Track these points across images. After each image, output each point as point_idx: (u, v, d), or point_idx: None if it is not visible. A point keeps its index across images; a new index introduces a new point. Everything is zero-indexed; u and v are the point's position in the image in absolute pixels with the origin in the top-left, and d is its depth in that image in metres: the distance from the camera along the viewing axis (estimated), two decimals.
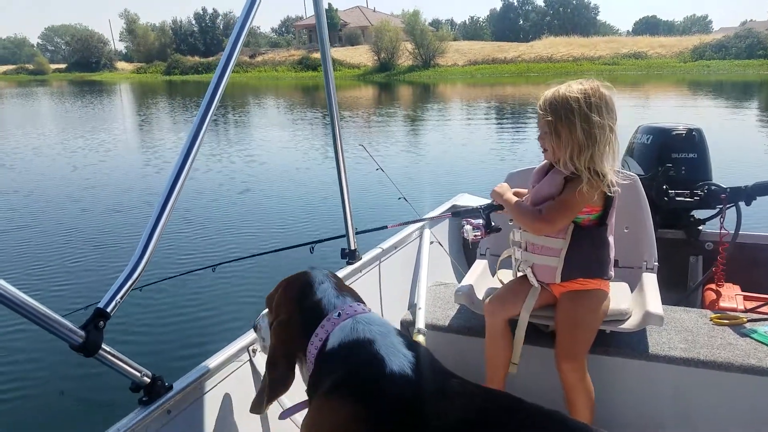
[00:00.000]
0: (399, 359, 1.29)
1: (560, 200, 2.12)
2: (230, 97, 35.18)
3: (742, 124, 16.68)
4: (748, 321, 2.50)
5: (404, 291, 3.10)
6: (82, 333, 1.32)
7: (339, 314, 1.46)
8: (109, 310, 1.38)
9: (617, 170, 2.17)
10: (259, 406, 1.56)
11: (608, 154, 2.07)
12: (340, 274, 2.58)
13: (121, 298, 1.41)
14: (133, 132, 19.76)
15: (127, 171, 11.89)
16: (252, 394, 2.01)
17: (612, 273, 2.26)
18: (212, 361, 1.93)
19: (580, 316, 2.16)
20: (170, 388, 1.69)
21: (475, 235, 2.38)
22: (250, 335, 2.09)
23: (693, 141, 3.43)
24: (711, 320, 2.54)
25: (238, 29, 1.77)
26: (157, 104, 31.88)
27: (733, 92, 28.58)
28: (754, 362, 2.16)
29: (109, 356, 1.40)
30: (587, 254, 2.19)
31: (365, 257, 2.87)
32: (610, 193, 2.12)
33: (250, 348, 2.09)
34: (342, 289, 1.58)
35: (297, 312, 1.51)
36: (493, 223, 2.39)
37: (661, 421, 2.35)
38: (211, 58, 66.64)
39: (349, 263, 2.79)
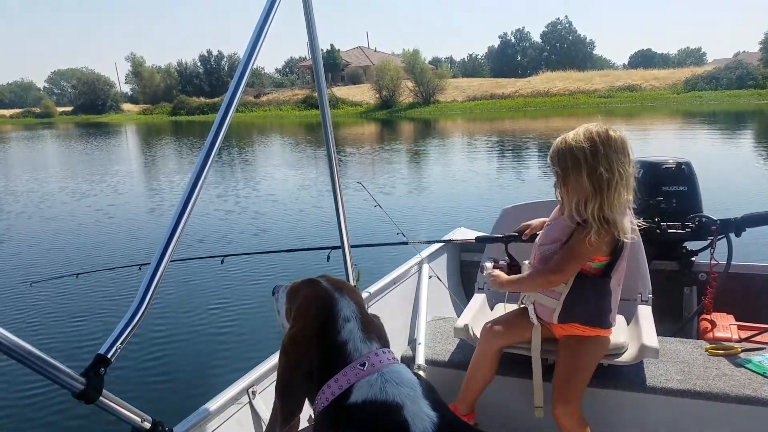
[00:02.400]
0: (423, 422, 1.25)
1: (568, 248, 2.12)
2: (236, 135, 35.49)
3: (732, 155, 16.78)
4: (743, 351, 2.53)
5: (404, 326, 3.11)
6: (83, 380, 1.28)
7: (364, 364, 1.36)
8: (110, 356, 1.35)
9: (631, 215, 2.15)
10: None
11: (620, 201, 2.03)
12: None
13: (122, 343, 1.39)
14: (140, 173, 19.87)
15: (133, 214, 11.94)
16: None
17: (614, 322, 2.25)
18: (212, 404, 1.93)
19: (580, 363, 2.17)
20: None
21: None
22: (249, 377, 2.10)
23: (683, 174, 3.48)
24: (706, 351, 2.56)
25: (242, 69, 1.78)
26: (164, 144, 32.16)
27: (724, 122, 28.86)
28: (750, 392, 2.19)
29: (110, 402, 1.37)
30: (586, 302, 2.18)
31: (364, 294, 2.88)
32: (625, 239, 2.08)
33: (250, 390, 2.10)
34: (368, 329, 1.46)
35: (316, 341, 1.42)
36: (525, 263, 2.36)
37: None
38: (216, 99, 67.32)
39: None
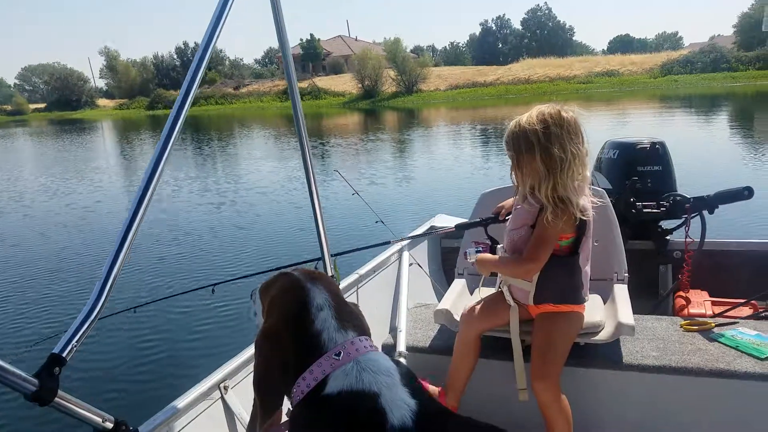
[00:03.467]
0: (401, 411, 1.22)
1: (535, 236, 2.15)
2: (216, 127, 35.23)
3: (704, 136, 17.04)
4: (716, 326, 2.58)
5: (385, 314, 3.11)
6: (35, 381, 1.21)
7: (339, 353, 1.32)
8: (65, 355, 1.27)
9: (589, 193, 2.18)
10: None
11: (573, 180, 2.06)
12: None
13: (78, 341, 1.32)
14: (118, 169, 19.65)
15: (112, 209, 11.80)
16: None
17: (586, 297, 2.30)
18: (181, 401, 1.87)
19: (554, 337, 2.20)
20: None
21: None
22: (221, 372, 2.05)
23: (657, 154, 3.53)
24: (681, 327, 2.61)
25: (197, 62, 1.75)
26: (142, 139, 31.81)
27: (698, 105, 29.27)
28: (723, 366, 2.24)
29: (67, 403, 1.29)
30: (558, 282, 2.22)
31: (344, 282, 2.87)
32: (584, 217, 2.11)
33: (222, 385, 2.05)
34: (343, 317, 1.41)
35: (289, 333, 1.38)
36: (498, 247, 2.39)
37: (637, 429, 2.40)
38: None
39: None
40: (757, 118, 22.40)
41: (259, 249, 7.87)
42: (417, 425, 1.21)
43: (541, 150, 2.04)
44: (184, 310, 5.77)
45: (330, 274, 2.66)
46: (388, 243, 3.21)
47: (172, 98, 66.52)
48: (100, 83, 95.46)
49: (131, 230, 1.47)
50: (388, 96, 53.64)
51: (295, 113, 2.45)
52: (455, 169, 13.90)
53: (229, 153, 22.09)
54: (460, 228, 2.89)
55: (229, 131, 33.10)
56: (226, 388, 2.04)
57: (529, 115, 2.10)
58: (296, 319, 1.38)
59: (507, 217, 2.54)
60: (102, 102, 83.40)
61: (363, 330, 1.45)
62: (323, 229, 2.52)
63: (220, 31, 1.77)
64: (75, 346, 1.31)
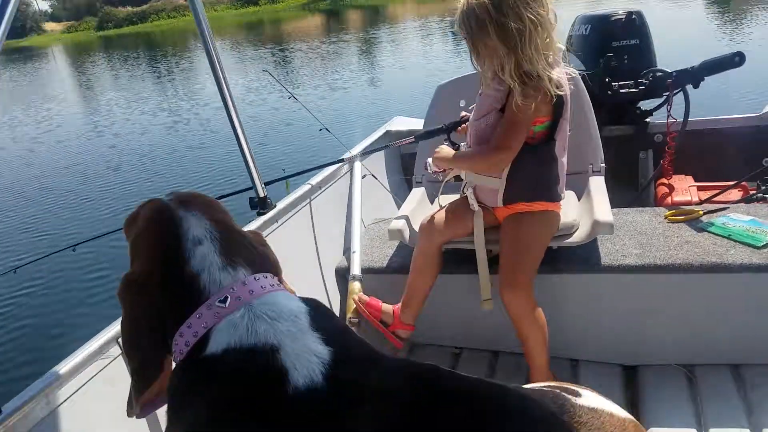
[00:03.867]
0: (308, 365, 0.94)
1: (506, 120, 1.88)
2: (170, 43, 33.76)
3: (685, 7, 16.48)
4: (705, 213, 2.34)
5: (338, 235, 2.82)
6: None
7: (226, 299, 1.02)
8: None
9: (562, 65, 1.92)
10: (132, 405, 1.15)
11: (539, 51, 1.79)
12: (253, 226, 2.25)
13: None
14: (74, 96, 18.78)
15: (68, 137, 11.19)
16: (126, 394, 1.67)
17: (563, 194, 2.05)
18: (65, 365, 1.51)
19: (526, 241, 1.96)
20: None
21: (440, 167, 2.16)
22: (116, 325, 1.67)
23: (634, 25, 3.22)
24: (666, 218, 2.36)
25: None
26: (94, 63, 30.35)
27: None
28: (714, 259, 2.00)
29: None
30: (532, 175, 1.96)
31: (283, 203, 2.54)
32: (560, 92, 1.86)
33: (119, 339, 1.66)
34: (231, 251, 1.09)
35: (158, 278, 1.06)
36: (462, 144, 2.14)
37: (622, 336, 2.20)
38: (145, 6, 63.70)
39: (260, 214, 2.40)
40: None
41: (183, 181, 7.22)
42: (328, 380, 0.92)
43: (495, 25, 1.76)
44: (73, 264, 5.10)
45: (262, 195, 2.38)
46: (341, 161, 2.88)
47: (122, 15, 63.91)
48: (44, 5, 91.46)
49: None
50: None
51: (195, 14, 2.11)
52: (419, 66, 13.18)
53: (167, 71, 21.11)
54: (420, 138, 2.57)
55: (183, 47, 31.64)
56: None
57: None
58: (166, 259, 1.06)
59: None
60: (49, 26, 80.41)
61: (262, 265, 1.11)
62: (246, 146, 2.21)
63: None
64: None
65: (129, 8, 67.01)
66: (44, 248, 5.22)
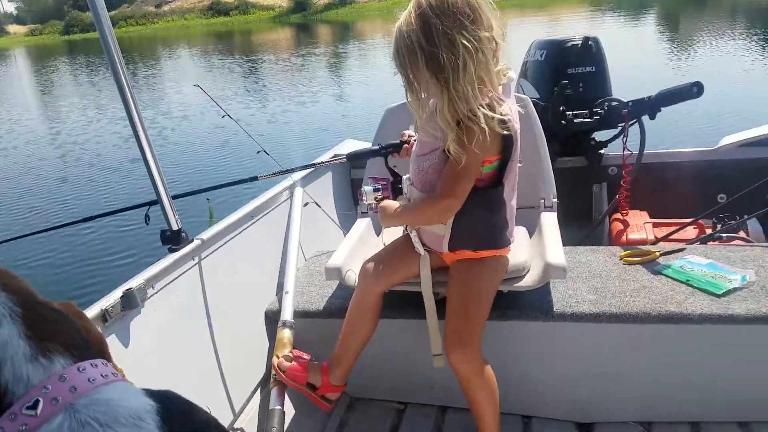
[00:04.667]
0: None
1: (450, 165, 1.64)
2: (136, 50, 33.29)
3: (641, 36, 16.93)
4: (661, 255, 2.23)
5: (273, 272, 2.54)
6: None
7: (37, 402, 0.74)
8: None
9: (508, 97, 1.68)
10: None
11: (474, 83, 1.52)
12: (163, 265, 1.94)
13: None
14: (35, 100, 18.35)
15: (30, 142, 10.83)
16: None
17: (512, 238, 1.86)
18: None
19: (472, 292, 1.78)
20: None
21: (377, 196, 1.90)
22: None
23: (590, 52, 3.12)
24: (621, 259, 2.23)
25: None
26: (59, 67, 29.71)
27: (633, 3, 29.30)
28: (673, 308, 1.87)
29: None
30: (478, 221, 1.76)
31: (206, 235, 2.20)
32: (507, 131, 1.60)
33: None
34: (43, 332, 0.81)
35: None
36: (404, 178, 1.89)
37: (575, 391, 2.06)
38: (113, 12, 63.01)
39: (172, 250, 2.04)
40: (697, 18, 22.37)
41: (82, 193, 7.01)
42: None
43: (425, 58, 1.51)
44: None
45: (176, 227, 2.04)
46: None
47: (89, 21, 63.07)
48: (9, 7, 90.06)
49: None
50: (321, 8, 52.75)
51: (99, 28, 1.91)
52: (378, 86, 12.91)
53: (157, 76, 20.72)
54: (352, 158, 2.31)
55: (151, 55, 31.23)
56: None
57: (407, 12, 1.55)
58: None
59: (412, 142, 2.01)
60: (12, 28, 79.13)
61: (86, 349, 0.84)
62: (157, 171, 1.93)
63: None
64: None
65: None
66: None
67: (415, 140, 1.95)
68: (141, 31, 56.72)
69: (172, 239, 2.02)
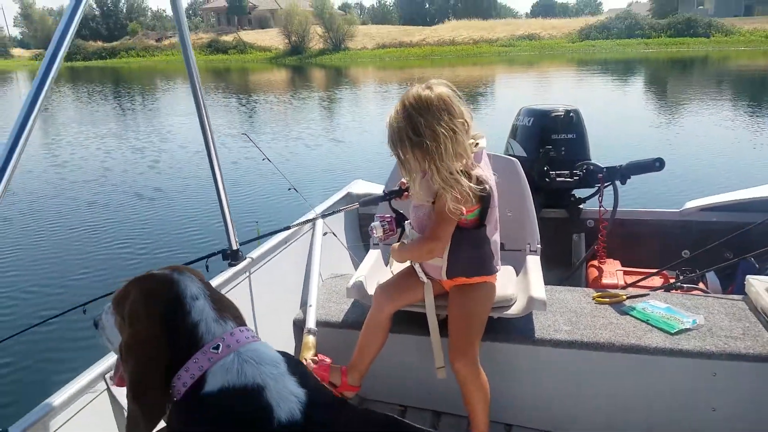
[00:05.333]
0: (289, 403, 1.13)
1: (436, 214, 2.06)
2: (137, 81, 33.53)
3: (619, 102, 17.45)
4: (628, 298, 2.58)
5: (297, 288, 2.97)
6: None
7: (218, 346, 1.20)
8: None
9: (481, 161, 2.09)
10: None
11: (454, 159, 1.95)
12: (224, 277, 2.41)
13: None
14: (36, 125, 18.22)
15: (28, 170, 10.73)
16: (113, 427, 1.81)
17: (498, 267, 2.24)
18: (59, 397, 1.66)
19: (470, 311, 2.16)
20: None
21: (385, 229, 2.29)
22: (106, 361, 1.84)
23: (571, 122, 3.49)
24: (593, 299, 2.60)
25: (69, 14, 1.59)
26: (60, 92, 29.76)
27: (613, 69, 30.02)
28: (634, 341, 2.23)
29: None
30: (468, 255, 2.16)
31: (252, 254, 2.69)
32: (482, 192, 2.02)
33: (107, 375, 1.83)
34: (221, 307, 1.30)
35: (162, 332, 1.23)
36: (406, 223, 2.29)
37: (550, 404, 2.40)
38: (115, 43, 63.49)
39: (231, 265, 2.56)
40: (669, 85, 23.20)
41: (161, 226, 7.11)
42: (306, 417, 1.12)
43: (413, 146, 1.95)
44: (63, 292, 5.27)
45: (235, 247, 2.55)
46: (309, 221, 3.03)
47: (91, 49, 63.37)
48: (15, 32, 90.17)
49: None
50: (316, 53, 52.92)
51: (190, 73, 2.30)
52: (379, 132, 13.46)
53: (138, 109, 20.97)
54: (365, 204, 2.75)
55: (149, 85, 31.53)
56: (112, 378, 1.83)
57: (396, 110, 2.01)
58: (170, 313, 1.25)
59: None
60: (17, 52, 78.78)
61: (242, 321, 1.33)
62: (226, 201, 2.37)
63: None
64: None
65: (100, 43, 66.63)
66: None
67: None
68: (141, 63, 56.97)
69: (232, 256, 2.52)
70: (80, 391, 1.72)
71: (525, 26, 54.48)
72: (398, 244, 2.27)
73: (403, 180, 2.49)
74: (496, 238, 2.22)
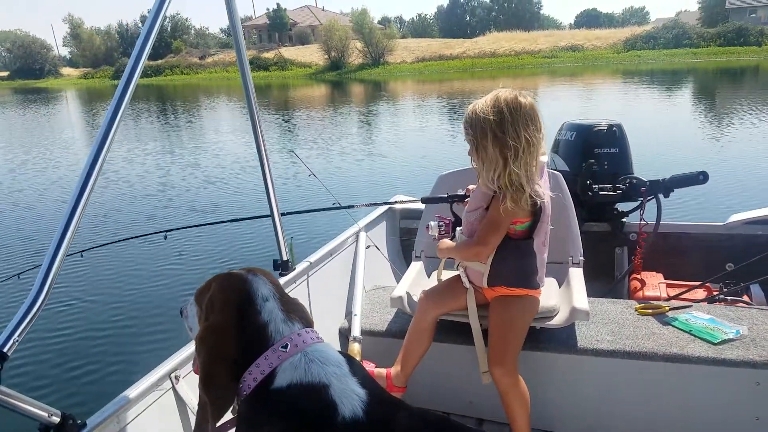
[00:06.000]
0: (351, 401, 1.21)
1: (487, 219, 2.13)
2: (181, 97, 34.42)
3: (663, 114, 17.14)
4: (670, 309, 2.59)
5: (342, 298, 3.07)
6: None
7: (287, 345, 1.30)
8: (6, 350, 1.27)
9: (546, 179, 2.15)
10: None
11: (526, 168, 2.03)
12: None
13: (20, 335, 1.31)
14: (82, 141, 18.91)
15: (61, 188, 11.22)
16: (177, 423, 1.96)
17: (542, 283, 2.28)
18: (131, 392, 1.82)
19: (510, 322, 2.19)
20: (83, 425, 1.58)
21: (441, 231, 2.39)
22: (172, 362, 2.00)
23: (614, 136, 3.51)
24: (636, 311, 2.61)
25: (149, 25, 1.72)
26: (106, 109, 30.77)
27: (659, 81, 29.42)
28: (676, 351, 2.25)
29: (10, 399, 1.30)
30: (511, 265, 2.20)
31: (300, 266, 2.82)
32: (537, 200, 2.09)
33: (173, 375, 1.99)
34: (289, 309, 1.39)
35: (233, 327, 1.33)
36: (458, 229, 2.36)
37: (592, 413, 2.42)
38: (159, 61, 65.10)
39: (282, 275, 2.70)
40: (717, 95, 22.63)
41: (213, 238, 7.46)
42: (368, 415, 1.19)
43: (495, 138, 2.02)
44: (132, 299, 5.62)
45: (285, 259, 2.67)
46: (355, 235, 3.13)
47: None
48: (64, 51, 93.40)
49: (74, 217, 1.43)
50: (355, 68, 53.33)
51: (247, 93, 2.41)
52: (418, 146, 13.65)
53: (187, 126, 21.52)
54: (425, 201, 2.82)
55: (193, 102, 32.37)
56: (177, 377, 2.00)
57: (485, 102, 2.06)
58: (241, 312, 1.35)
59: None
60: (66, 71, 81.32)
61: (308, 322, 1.43)
62: (278, 216, 2.50)
63: (169, 2, 1.75)
64: (17, 340, 1.30)
65: (146, 61, 68.55)
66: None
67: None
68: (185, 80, 58.43)
69: (282, 266, 2.67)
70: (148, 389, 1.87)
71: (568, 37, 53.98)
72: (448, 242, 2.33)
73: (470, 186, 2.56)
74: (544, 255, 2.26)
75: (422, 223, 2.98)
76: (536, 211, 2.14)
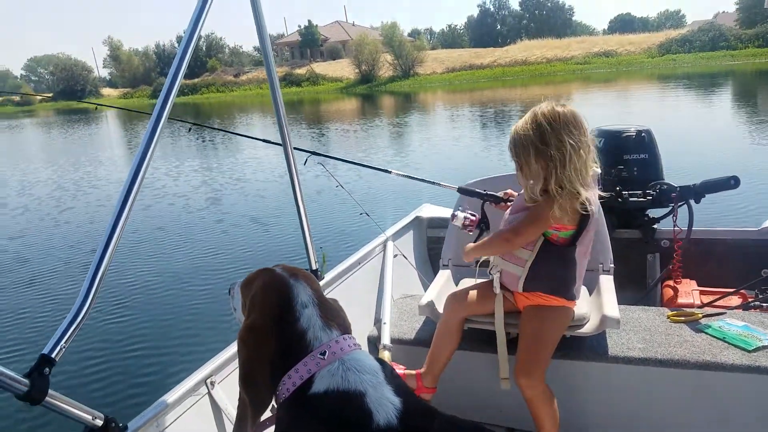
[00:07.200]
0: (386, 409, 1.23)
1: (529, 213, 2.12)
2: (216, 114, 35.11)
3: (695, 119, 16.82)
4: (703, 317, 2.54)
5: (370, 306, 3.10)
6: (27, 381, 1.26)
7: (325, 353, 1.33)
8: (54, 355, 1.31)
9: (592, 187, 2.13)
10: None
11: (578, 172, 2.02)
12: None
13: (66, 342, 1.35)
14: (123, 158, 19.47)
15: (99, 202, 11.61)
16: (212, 428, 2.01)
17: (578, 295, 2.26)
18: (169, 397, 1.89)
19: (543, 333, 2.18)
20: (125, 428, 1.62)
21: (465, 223, 2.40)
22: (208, 367, 2.06)
23: (643, 142, 3.48)
24: (668, 318, 2.57)
25: (185, 42, 1.76)
26: (145, 128, 31.63)
27: (695, 84, 28.85)
28: (709, 358, 2.21)
29: (58, 402, 1.34)
30: (551, 271, 2.18)
31: (329, 275, 2.86)
32: (585, 211, 2.07)
33: (208, 380, 2.05)
34: (327, 315, 1.41)
35: (274, 328, 1.37)
36: (485, 233, 2.38)
37: (623, 421, 2.40)
38: (196, 80, 66.52)
39: None
40: (754, 98, 22.09)
41: (244, 246, 7.69)
42: (402, 423, 1.21)
43: (537, 152, 2.03)
44: (170, 307, 5.79)
45: (314, 268, 2.68)
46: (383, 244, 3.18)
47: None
48: (104, 72, 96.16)
49: (117, 228, 1.48)
50: (385, 80, 53.76)
51: (276, 107, 2.48)
52: (447, 156, 13.68)
53: (221, 142, 21.93)
54: (462, 192, 2.80)
55: (228, 118, 32.96)
56: (212, 383, 2.06)
57: (524, 120, 2.09)
58: (281, 316, 1.38)
59: (508, 203, 2.50)
60: (106, 91, 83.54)
61: (346, 328, 1.45)
62: (307, 226, 2.53)
63: (203, 22, 1.81)
64: (64, 346, 1.34)
65: (182, 80, 70.29)
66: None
67: (511, 203, 2.44)
68: (220, 98, 59.58)
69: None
70: (185, 394, 1.94)
71: (601, 43, 53.67)
72: (472, 244, 2.33)
73: (509, 191, 2.58)
74: (584, 265, 2.24)
75: (447, 239, 3.01)
76: (582, 220, 2.12)
